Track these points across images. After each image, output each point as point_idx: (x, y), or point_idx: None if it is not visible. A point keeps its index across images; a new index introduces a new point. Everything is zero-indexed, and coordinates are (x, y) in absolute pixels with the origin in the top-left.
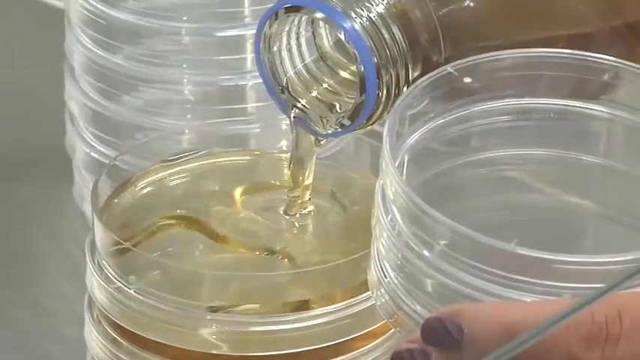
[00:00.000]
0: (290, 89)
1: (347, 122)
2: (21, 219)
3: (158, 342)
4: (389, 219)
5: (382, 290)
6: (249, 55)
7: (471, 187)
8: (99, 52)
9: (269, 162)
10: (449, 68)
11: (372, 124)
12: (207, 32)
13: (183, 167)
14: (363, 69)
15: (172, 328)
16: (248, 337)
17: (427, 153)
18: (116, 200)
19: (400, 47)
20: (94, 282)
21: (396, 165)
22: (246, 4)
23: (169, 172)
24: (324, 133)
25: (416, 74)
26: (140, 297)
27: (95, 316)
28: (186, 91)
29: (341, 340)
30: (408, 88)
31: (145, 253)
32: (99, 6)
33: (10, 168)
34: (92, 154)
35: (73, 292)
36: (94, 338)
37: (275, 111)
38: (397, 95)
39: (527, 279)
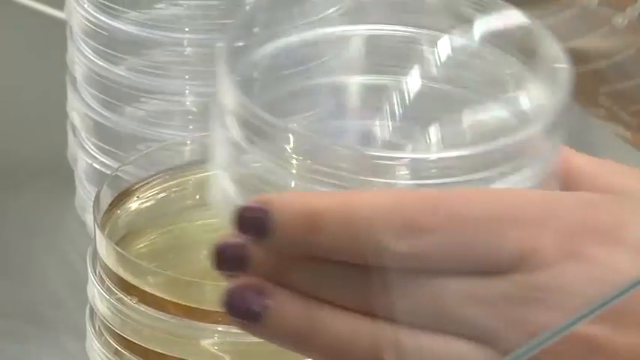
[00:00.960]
0: None
1: None
2: (22, 229)
3: (160, 353)
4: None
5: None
6: None
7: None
8: (101, 64)
9: None
10: None
11: None
12: (209, 43)
13: (184, 178)
14: None
15: (174, 339)
16: (250, 347)
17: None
18: (118, 211)
19: None
20: (95, 293)
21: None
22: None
23: (170, 183)
24: None
25: None
26: (142, 308)
27: (97, 327)
28: (188, 102)
29: None
30: None
31: (145, 264)
32: (101, 17)
33: (12, 178)
34: (94, 165)
35: (74, 303)
36: (95, 349)
37: None
38: None
39: (337, 172)
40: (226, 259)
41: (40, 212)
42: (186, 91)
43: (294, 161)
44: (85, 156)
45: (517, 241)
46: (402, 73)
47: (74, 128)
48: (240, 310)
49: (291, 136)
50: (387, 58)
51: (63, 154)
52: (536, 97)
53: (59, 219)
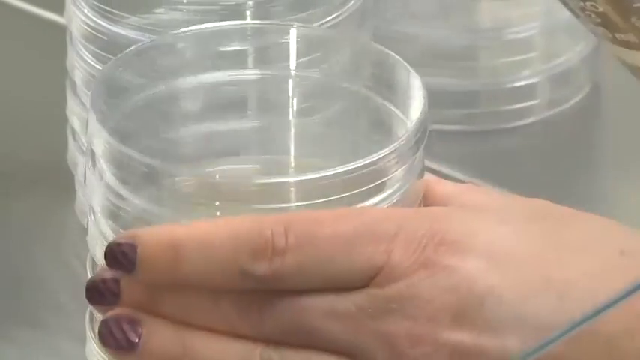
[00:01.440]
0: None
1: None
2: (23, 234)
3: None
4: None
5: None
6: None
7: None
8: (100, 68)
9: None
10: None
11: None
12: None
13: None
14: None
15: None
16: None
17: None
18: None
19: None
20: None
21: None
22: (249, 19)
23: None
24: None
25: None
26: None
27: (97, 331)
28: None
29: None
30: None
31: None
32: (100, 22)
33: (12, 183)
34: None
35: (74, 307)
36: (95, 354)
37: None
38: None
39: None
40: (100, 293)
41: (40, 217)
42: None
43: (172, 200)
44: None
45: (369, 256)
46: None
47: (74, 133)
48: (115, 340)
49: (167, 173)
50: (244, 101)
51: (63, 158)
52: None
53: (59, 223)
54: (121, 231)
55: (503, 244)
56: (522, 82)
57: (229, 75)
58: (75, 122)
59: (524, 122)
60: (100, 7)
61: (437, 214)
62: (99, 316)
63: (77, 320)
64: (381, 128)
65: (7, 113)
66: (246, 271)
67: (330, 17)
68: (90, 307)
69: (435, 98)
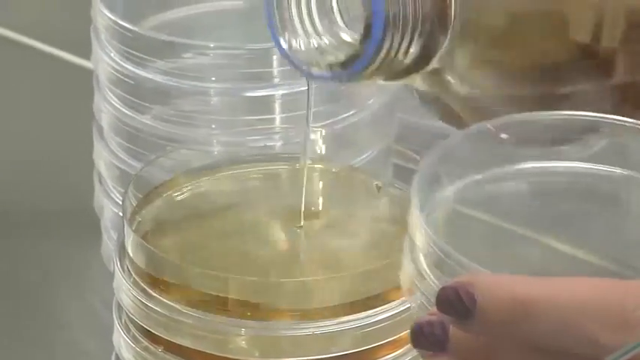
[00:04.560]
0: (290, 29)
1: (337, 69)
2: (49, 278)
3: None
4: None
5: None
6: (278, 116)
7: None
8: (127, 112)
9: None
10: (488, 125)
11: (359, 79)
12: (236, 93)
13: (209, 177)
14: (372, 15)
15: None
16: (280, 342)
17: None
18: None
19: (416, 12)
20: (121, 341)
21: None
22: (275, 64)
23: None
24: (313, 73)
25: (415, 49)
26: (168, 356)
27: None
28: (215, 152)
29: (368, 347)
30: (405, 58)
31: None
32: (127, 66)
33: (39, 227)
34: (120, 213)
35: (99, 352)
36: None
37: None
38: (392, 60)
39: None
40: (425, 337)
41: (66, 261)
42: (214, 141)
43: None
44: (112, 205)
45: None
46: None
47: (100, 177)
48: None
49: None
50: None
51: (89, 202)
52: None
53: (85, 268)
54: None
55: None
56: None
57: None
58: (101, 166)
59: None
60: (127, 52)
61: None
62: None
63: None
64: None
65: (34, 157)
66: (595, 341)
67: None
68: (115, 352)
69: None
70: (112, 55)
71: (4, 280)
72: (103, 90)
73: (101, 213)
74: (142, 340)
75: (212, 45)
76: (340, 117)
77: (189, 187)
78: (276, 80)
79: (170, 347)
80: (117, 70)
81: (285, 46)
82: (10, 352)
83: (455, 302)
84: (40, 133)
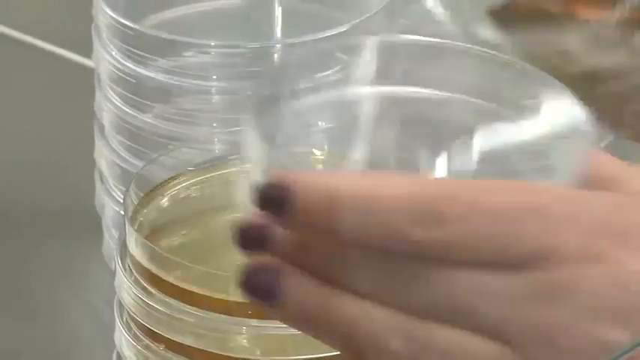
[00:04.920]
0: None
1: None
2: (50, 277)
3: None
4: None
5: None
6: None
7: None
8: (128, 111)
9: None
10: None
11: None
12: (237, 91)
13: (210, 174)
14: None
15: None
16: (281, 340)
17: None
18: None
19: None
20: (122, 340)
21: None
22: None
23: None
24: None
25: None
26: (169, 355)
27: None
28: (216, 150)
29: None
30: None
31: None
32: (128, 64)
33: (40, 226)
34: (121, 212)
35: (101, 351)
36: None
37: None
38: None
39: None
40: (249, 238)
41: (67, 260)
42: (215, 139)
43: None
44: (113, 203)
45: (538, 237)
46: None
47: (102, 175)
48: (257, 290)
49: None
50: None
51: (90, 201)
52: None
53: (86, 266)
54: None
55: None
56: None
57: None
58: (102, 165)
59: None
60: (128, 50)
61: (615, 203)
62: (126, 358)
63: None
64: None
65: (36, 156)
66: (404, 234)
67: None
68: (116, 350)
69: None
70: (113, 53)
71: (5, 278)
72: (105, 88)
73: (102, 212)
74: (143, 338)
75: (213, 43)
76: None
77: (190, 186)
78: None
79: (171, 345)
80: (118, 69)
81: None
82: (11, 350)
83: (273, 199)
84: (41, 132)
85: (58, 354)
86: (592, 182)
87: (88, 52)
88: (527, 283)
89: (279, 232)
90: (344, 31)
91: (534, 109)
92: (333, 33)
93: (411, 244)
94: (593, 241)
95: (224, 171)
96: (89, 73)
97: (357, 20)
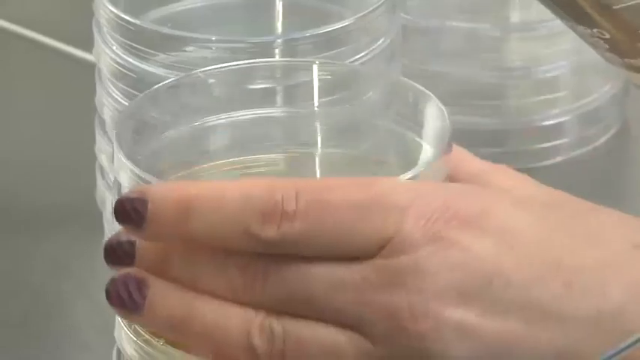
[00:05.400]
0: None
1: None
2: (51, 272)
3: None
4: None
5: None
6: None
7: None
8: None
9: None
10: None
11: None
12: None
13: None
14: None
15: None
16: None
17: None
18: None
19: None
20: (122, 335)
21: None
22: (277, 56)
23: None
24: None
25: None
26: (169, 349)
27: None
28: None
29: None
30: None
31: None
32: (129, 59)
33: (40, 221)
34: None
35: (101, 347)
36: None
37: None
38: None
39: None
40: (113, 254)
41: (68, 255)
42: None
43: None
44: (114, 198)
45: (379, 226)
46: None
47: (103, 170)
48: (121, 300)
49: None
50: (271, 138)
51: (91, 196)
52: None
53: (88, 261)
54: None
55: (516, 226)
56: (551, 121)
57: (257, 113)
58: (103, 160)
59: (552, 161)
60: (129, 45)
61: (452, 190)
62: (126, 354)
63: (104, 358)
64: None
65: (35, 151)
66: (253, 233)
67: (359, 56)
68: (116, 346)
69: (462, 136)
70: (114, 48)
71: (6, 274)
72: (105, 83)
73: (103, 206)
74: (143, 333)
75: (214, 38)
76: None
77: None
78: (278, 74)
79: (171, 340)
80: (119, 64)
81: None
82: (12, 346)
83: (129, 210)
84: (41, 127)
85: (59, 349)
86: (454, 179)
87: (88, 46)
88: (372, 272)
89: (143, 244)
90: (345, 25)
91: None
92: (333, 28)
93: (261, 243)
94: (432, 225)
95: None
96: (90, 68)
97: (358, 15)
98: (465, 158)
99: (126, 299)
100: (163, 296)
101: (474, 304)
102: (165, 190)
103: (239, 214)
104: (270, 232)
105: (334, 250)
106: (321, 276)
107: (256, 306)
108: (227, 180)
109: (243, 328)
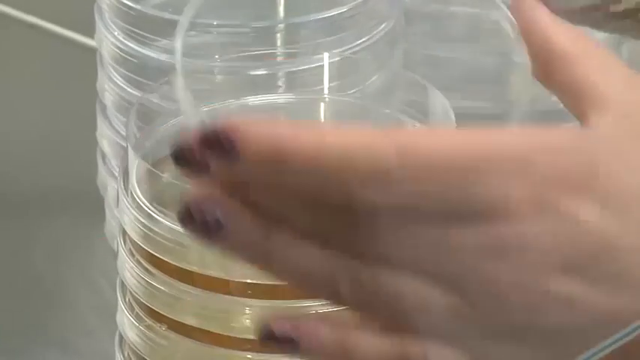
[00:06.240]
0: None
1: None
2: (52, 257)
3: None
4: None
5: None
6: (282, 94)
7: None
8: (131, 91)
9: None
10: None
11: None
12: (240, 71)
13: None
14: None
15: None
16: None
17: None
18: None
19: None
20: (124, 320)
21: None
22: (278, 43)
23: None
24: None
25: None
26: (171, 335)
27: (126, 354)
28: None
29: None
30: None
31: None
32: (131, 44)
33: (42, 206)
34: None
35: (103, 331)
36: None
37: None
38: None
39: None
40: (190, 162)
41: (69, 240)
42: None
43: None
44: (115, 183)
45: (488, 190)
46: None
47: (104, 155)
48: (196, 223)
49: None
50: None
51: (93, 181)
52: None
53: (89, 246)
54: (153, 252)
55: (626, 187)
56: (554, 107)
57: (261, 99)
58: (105, 145)
59: None
60: (130, 30)
61: (564, 148)
62: (128, 339)
63: (106, 343)
64: None
65: (37, 136)
66: (352, 195)
67: (361, 40)
68: (119, 331)
69: (465, 121)
70: (115, 33)
71: (8, 259)
72: (107, 68)
73: (105, 192)
74: (145, 318)
75: (215, 23)
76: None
77: None
78: (280, 59)
79: (173, 326)
80: (120, 49)
81: None
82: (13, 330)
83: (219, 142)
84: (43, 112)
85: (61, 334)
86: (539, 52)
87: (90, 32)
88: (479, 238)
89: (218, 162)
90: (348, 10)
91: None
92: (336, 12)
93: (360, 204)
94: (543, 192)
95: None
96: (91, 53)
97: (360, 0)
98: (553, 27)
99: (204, 219)
100: (245, 224)
101: (580, 276)
102: (262, 131)
103: (339, 174)
104: (370, 194)
105: (437, 212)
106: (421, 236)
107: (346, 253)
108: (326, 127)
109: (329, 271)
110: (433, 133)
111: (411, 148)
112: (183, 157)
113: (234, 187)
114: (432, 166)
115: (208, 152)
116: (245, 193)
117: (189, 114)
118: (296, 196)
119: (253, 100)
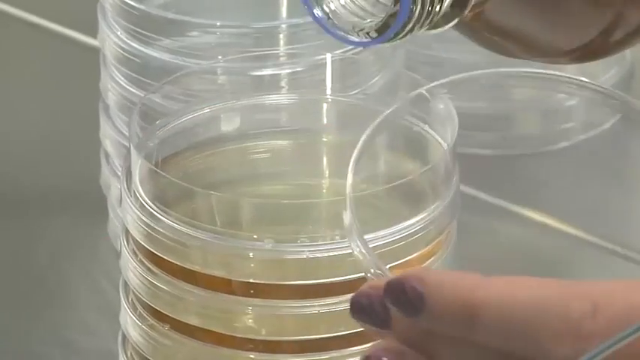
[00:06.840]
0: None
1: (374, 35)
2: (55, 256)
3: None
4: None
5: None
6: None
7: None
8: (134, 91)
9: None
10: None
11: (401, 37)
12: (243, 71)
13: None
14: None
15: None
16: (285, 320)
17: None
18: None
19: None
20: (127, 320)
21: None
22: (281, 43)
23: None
24: (354, 40)
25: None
26: (175, 335)
27: (129, 353)
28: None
29: None
30: (441, 8)
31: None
32: (134, 44)
33: (45, 206)
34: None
35: (106, 330)
36: None
37: None
38: (431, 12)
39: None
40: (364, 311)
41: (72, 240)
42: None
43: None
44: (118, 183)
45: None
46: None
47: (107, 155)
48: None
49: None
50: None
51: (95, 181)
52: None
53: (92, 246)
54: (155, 252)
55: None
56: (556, 106)
57: (264, 100)
58: (108, 145)
59: (557, 146)
60: (133, 30)
61: (629, 289)
62: (131, 339)
63: (108, 342)
64: (417, 150)
65: (40, 136)
66: (547, 352)
67: None
68: (122, 331)
69: (467, 121)
70: (118, 33)
71: (11, 259)
72: (110, 68)
73: (108, 191)
74: (148, 318)
75: (218, 23)
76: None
77: (194, 162)
78: (283, 59)
79: (176, 325)
80: (123, 49)
81: (320, 14)
82: (17, 330)
83: (402, 297)
84: (46, 112)
85: (64, 334)
86: None
87: (92, 31)
88: None
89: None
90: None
91: None
92: None
93: (550, 357)
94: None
95: (229, 147)
96: (94, 53)
97: None
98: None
99: None
100: None
101: None
102: (447, 284)
103: (531, 330)
104: (566, 351)
105: None
106: None
107: None
108: (513, 281)
109: None
110: (629, 287)
111: (602, 301)
112: (363, 310)
113: (413, 339)
114: (624, 322)
115: (392, 305)
116: (424, 345)
117: (369, 265)
118: (483, 351)
119: (256, 100)
